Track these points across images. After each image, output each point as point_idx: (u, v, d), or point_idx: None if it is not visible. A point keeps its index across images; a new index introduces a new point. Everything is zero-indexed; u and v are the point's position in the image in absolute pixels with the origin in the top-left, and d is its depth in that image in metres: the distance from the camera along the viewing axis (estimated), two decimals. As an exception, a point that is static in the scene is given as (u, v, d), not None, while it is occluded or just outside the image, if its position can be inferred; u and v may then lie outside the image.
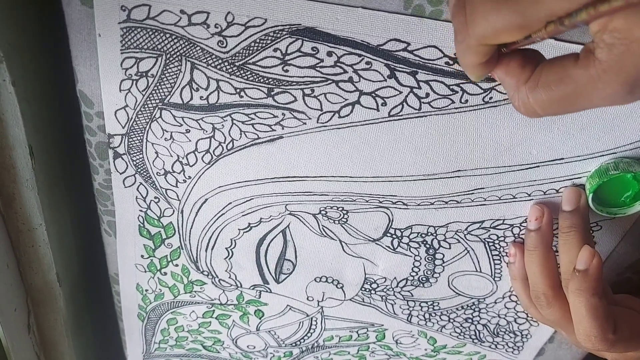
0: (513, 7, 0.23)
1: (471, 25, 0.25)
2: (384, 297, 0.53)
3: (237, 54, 0.38)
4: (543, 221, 0.43)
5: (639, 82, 0.24)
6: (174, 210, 0.48)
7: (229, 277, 0.53)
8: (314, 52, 0.38)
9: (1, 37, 0.37)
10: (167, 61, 0.39)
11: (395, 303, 0.53)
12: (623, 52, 0.23)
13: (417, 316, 0.54)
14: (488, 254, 0.48)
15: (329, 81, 0.39)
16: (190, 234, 0.49)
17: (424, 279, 0.51)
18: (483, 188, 0.44)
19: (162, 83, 0.40)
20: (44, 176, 0.46)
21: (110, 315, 0.62)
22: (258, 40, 0.37)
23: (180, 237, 0.50)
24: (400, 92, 0.39)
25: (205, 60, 0.38)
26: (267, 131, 0.42)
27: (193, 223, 0.48)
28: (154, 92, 0.40)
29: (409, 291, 0.52)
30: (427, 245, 0.48)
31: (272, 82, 0.39)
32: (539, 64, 0.27)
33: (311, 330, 0.57)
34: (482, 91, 0.39)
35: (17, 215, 0.47)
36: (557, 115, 0.27)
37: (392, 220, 0.47)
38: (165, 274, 0.53)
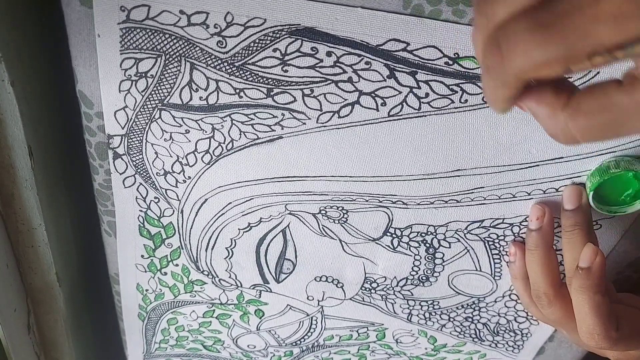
0: (558, 40, 0.22)
1: (509, 61, 0.24)
2: (384, 297, 0.53)
3: (237, 54, 0.38)
4: (544, 221, 0.43)
5: None
6: (174, 210, 0.48)
7: (229, 277, 0.53)
8: (314, 52, 0.38)
9: (0, 37, 0.37)
10: (167, 62, 0.39)
11: (395, 302, 0.53)
12: None
13: (417, 315, 0.54)
14: (488, 253, 0.48)
15: (329, 81, 0.39)
16: (190, 233, 0.49)
17: (424, 278, 0.51)
18: (483, 187, 0.44)
19: (161, 83, 0.40)
20: (44, 176, 0.46)
21: (111, 315, 0.62)
22: (257, 41, 0.37)
23: (180, 237, 0.50)
24: (400, 92, 0.39)
25: (204, 60, 0.38)
26: (267, 131, 0.42)
27: (193, 223, 0.48)
28: (153, 92, 0.40)
29: (409, 290, 0.52)
30: (427, 245, 0.48)
31: (271, 83, 0.39)
32: (571, 90, 0.26)
33: (311, 330, 0.57)
34: (482, 91, 0.39)
35: (16, 215, 0.47)
36: (598, 141, 0.27)
37: (392, 220, 0.47)
38: (166, 273, 0.53)
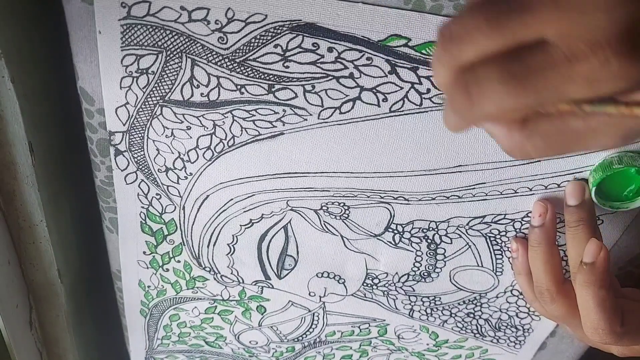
0: (530, 92, 0.23)
1: (478, 105, 0.24)
2: (385, 292, 0.53)
3: (238, 51, 0.38)
4: (547, 217, 0.43)
5: (634, 134, 0.25)
6: (175, 207, 0.48)
7: (231, 273, 0.53)
8: (315, 48, 0.38)
9: (0, 33, 0.37)
10: (168, 58, 0.39)
11: (397, 298, 0.53)
12: None
13: (419, 311, 0.54)
14: (489, 249, 0.48)
15: (330, 77, 0.39)
16: (192, 230, 0.49)
17: (426, 274, 0.51)
18: (484, 183, 0.44)
19: (162, 80, 0.40)
20: (44, 173, 0.46)
21: (113, 311, 0.62)
22: (258, 37, 0.37)
23: (182, 234, 0.50)
24: (401, 88, 0.39)
25: (205, 56, 0.38)
26: (268, 127, 0.42)
27: (195, 219, 0.48)
28: (154, 89, 0.40)
29: (410, 286, 0.52)
30: (429, 241, 0.48)
31: (272, 79, 0.39)
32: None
33: (313, 326, 0.57)
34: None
35: (17, 212, 0.47)
36: (548, 157, 0.27)
37: (394, 216, 0.47)
38: (168, 270, 0.53)
